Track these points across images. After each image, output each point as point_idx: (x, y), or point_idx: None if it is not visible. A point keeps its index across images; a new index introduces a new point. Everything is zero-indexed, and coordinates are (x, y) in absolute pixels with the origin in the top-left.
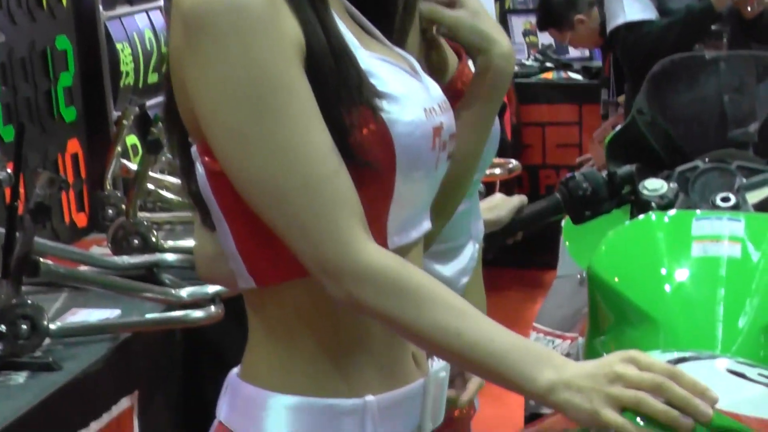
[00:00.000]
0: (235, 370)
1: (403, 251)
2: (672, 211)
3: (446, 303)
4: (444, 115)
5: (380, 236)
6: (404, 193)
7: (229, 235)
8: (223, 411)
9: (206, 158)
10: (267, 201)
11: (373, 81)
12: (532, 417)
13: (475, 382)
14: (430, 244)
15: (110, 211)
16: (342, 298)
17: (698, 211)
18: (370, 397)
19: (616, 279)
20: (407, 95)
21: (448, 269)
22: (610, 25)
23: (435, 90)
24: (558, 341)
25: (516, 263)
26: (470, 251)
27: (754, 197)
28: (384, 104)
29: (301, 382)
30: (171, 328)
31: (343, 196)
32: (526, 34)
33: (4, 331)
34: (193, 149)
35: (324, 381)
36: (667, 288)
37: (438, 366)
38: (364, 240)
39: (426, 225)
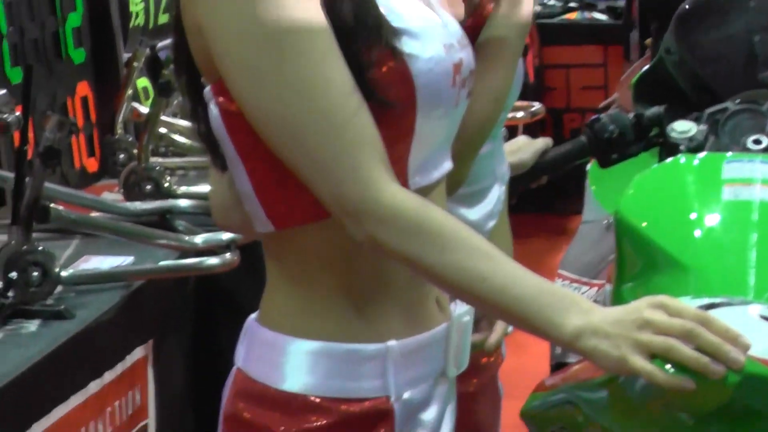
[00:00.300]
0: (254, 316)
1: (424, 192)
2: (702, 154)
3: (471, 245)
4: (463, 51)
5: (402, 177)
6: (425, 131)
7: (245, 178)
8: (241, 357)
9: (221, 98)
10: (286, 141)
11: (391, 17)
12: (557, 366)
13: (501, 325)
14: (456, 188)
15: (121, 156)
16: (364, 240)
17: (729, 154)
18: (392, 342)
19: (644, 224)
20: (426, 31)
21: (474, 213)
22: None
23: (453, 25)
24: (584, 288)
25: (540, 209)
26: (496, 194)
27: None
28: (403, 41)
29: (322, 326)
30: (185, 275)
31: (365, 136)
32: None
33: (14, 278)
34: (207, 90)
35: (345, 325)
36: (698, 233)
37: (462, 310)
38: (386, 180)
39: (447, 164)
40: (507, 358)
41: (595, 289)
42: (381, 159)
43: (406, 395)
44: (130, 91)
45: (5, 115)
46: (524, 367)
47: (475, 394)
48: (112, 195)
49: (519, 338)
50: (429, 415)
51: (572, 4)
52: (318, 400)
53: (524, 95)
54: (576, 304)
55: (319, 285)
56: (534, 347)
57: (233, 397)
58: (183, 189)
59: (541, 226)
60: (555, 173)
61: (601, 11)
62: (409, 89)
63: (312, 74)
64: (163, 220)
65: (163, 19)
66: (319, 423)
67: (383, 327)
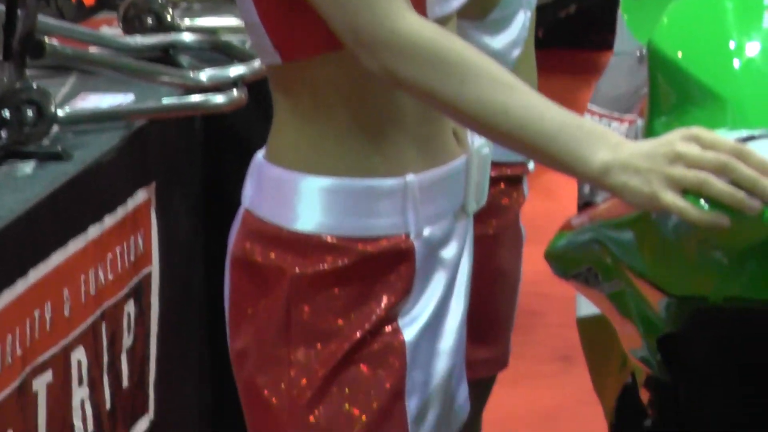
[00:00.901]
0: (261, 153)
1: (442, 22)
2: None
3: (493, 77)
4: None
5: (420, 6)
6: None
7: (251, 6)
8: (248, 197)
9: None
10: None
11: None
12: (585, 206)
13: None
14: (487, 13)
15: None
16: (378, 72)
17: None
18: (410, 176)
19: (680, 54)
20: None
21: (497, 41)
22: None
23: None
24: (615, 123)
25: (569, 43)
26: (521, 20)
27: None
28: None
29: (335, 162)
30: (190, 114)
31: None
32: None
33: (7, 117)
34: None
35: (360, 160)
36: (736, 63)
37: (480, 142)
38: (402, 9)
39: None
40: (533, 202)
41: (626, 124)
42: None
43: (426, 232)
44: None
45: None
46: (551, 211)
47: (495, 237)
48: (110, 29)
49: (546, 181)
50: (449, 252)
51: None
52: (333, 239)
53: None
54: (604, 138)
55: (331, 119)
56: (562, 190)
57: (241, 240)
58: (187, 22)
59: (571, 61)
60: (585, 1)
61: None
62: None
63: None
64: (166, 55)
65: None
66: (335, 264)
67: (399, 161)
